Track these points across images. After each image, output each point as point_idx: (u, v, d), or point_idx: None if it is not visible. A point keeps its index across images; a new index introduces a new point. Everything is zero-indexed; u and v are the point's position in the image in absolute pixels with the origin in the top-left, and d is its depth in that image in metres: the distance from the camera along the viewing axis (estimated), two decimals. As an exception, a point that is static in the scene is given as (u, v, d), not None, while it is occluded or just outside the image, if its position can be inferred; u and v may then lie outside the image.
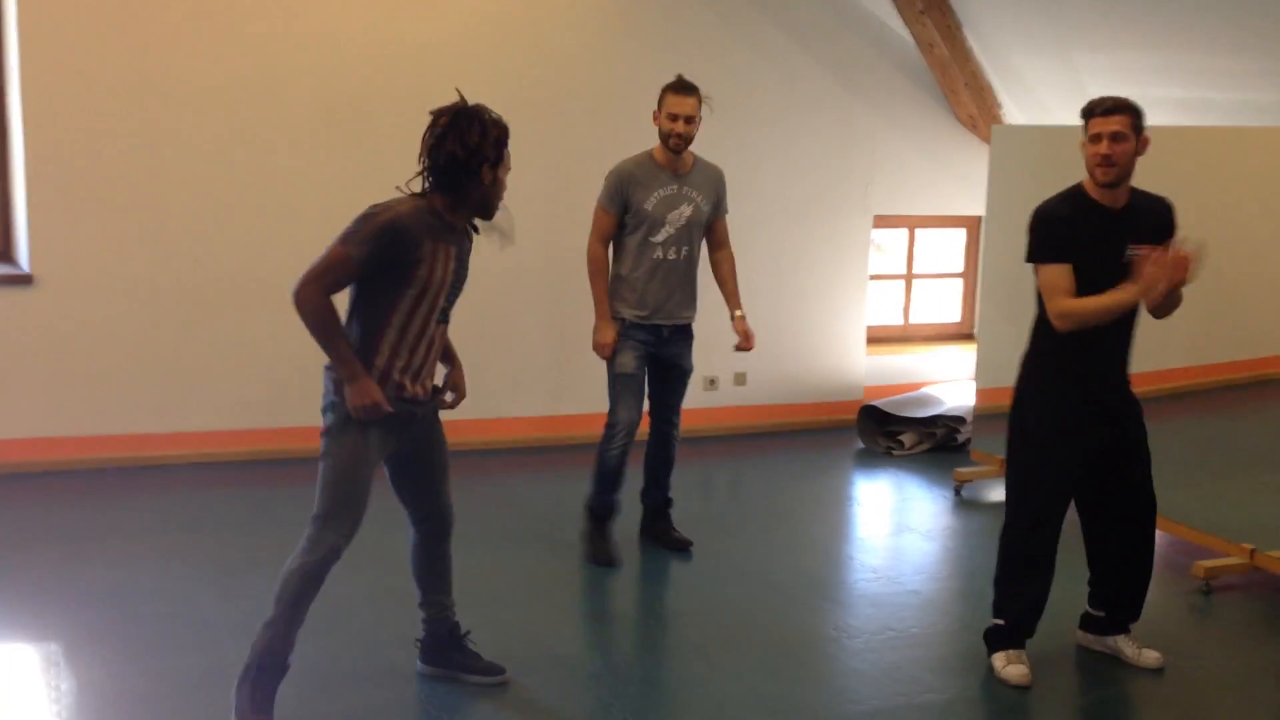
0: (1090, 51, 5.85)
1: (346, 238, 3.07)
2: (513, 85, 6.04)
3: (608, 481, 4.53)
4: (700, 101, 4.38)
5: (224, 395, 5.76)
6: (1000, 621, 3.69)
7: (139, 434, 5.65)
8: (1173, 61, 5.53)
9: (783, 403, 6.78)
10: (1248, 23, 4.94)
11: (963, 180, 6.95)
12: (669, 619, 4.18)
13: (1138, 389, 5.06)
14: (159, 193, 5.56)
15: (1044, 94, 6.43)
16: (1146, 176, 5.27)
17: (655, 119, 4.42)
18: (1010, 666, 3.63)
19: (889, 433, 6.49)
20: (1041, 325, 3.62)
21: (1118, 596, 3.81)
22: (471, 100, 3.22)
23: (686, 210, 4.44)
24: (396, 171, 5.79)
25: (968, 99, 6.67)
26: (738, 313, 4.68)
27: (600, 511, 4.60)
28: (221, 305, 5.70)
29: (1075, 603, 3.94)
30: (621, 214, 4.42)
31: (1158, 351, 5.07)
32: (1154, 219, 3.60)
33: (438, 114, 3.17)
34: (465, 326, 6.20)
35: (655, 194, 4.41)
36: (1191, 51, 5.35)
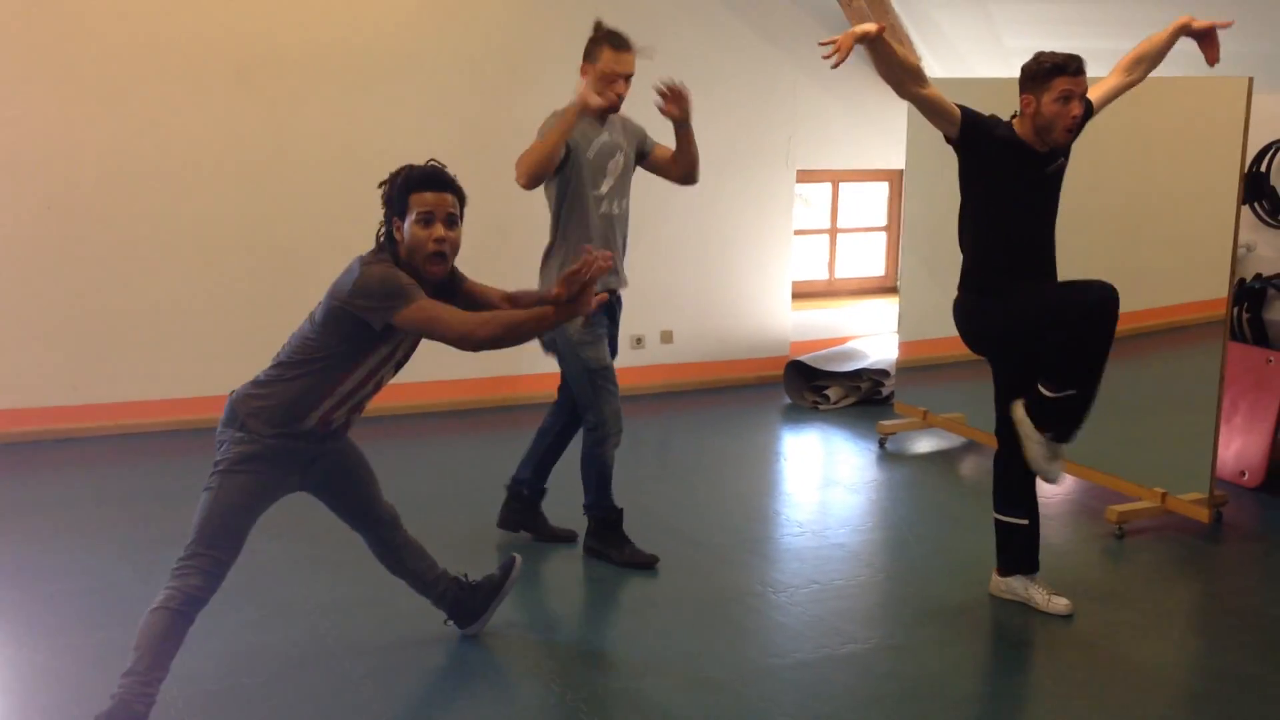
0: (1007, 3, 5.88)
1: (405, 294, 2.90)
2: (423, 37, 5.94)
3: (608, 482, 4.22)
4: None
5: (138, 364, 5.64)
6: (1016, 521, 3.87)
7: (50, 406, 5.51)
8: (1090, 12, 5.58)
9: (709, 360, 6.80)
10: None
11: (884, 134, 6.98)
12: (596, 577, 4.18)
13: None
14: (66, 154, 5.40)
15: (962, 47, 6.46)
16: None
17: (584, 74, 4.01)
18: (1053, 598, 3.83)
19: (815, 387, 6.54)
20: (974, 256, 3.76)
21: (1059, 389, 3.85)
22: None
23: (620, 160, 4.15)
24: (308, 129, 5.73)
25: (888, 52, 6.68)
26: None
27: (614, 515, 4.25)
28: (134, 271, 5.57)
29: (987, 556, 4.01)
30: (562, 159, 3.96)
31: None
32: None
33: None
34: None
35: (594, 142, 4.04)
36: (1107, 1, 5.40)
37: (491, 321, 2.91)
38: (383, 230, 3.07)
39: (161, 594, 2.91)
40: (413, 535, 3.48)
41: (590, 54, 4.00)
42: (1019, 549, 3.91)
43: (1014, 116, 3.71)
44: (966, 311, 3.81)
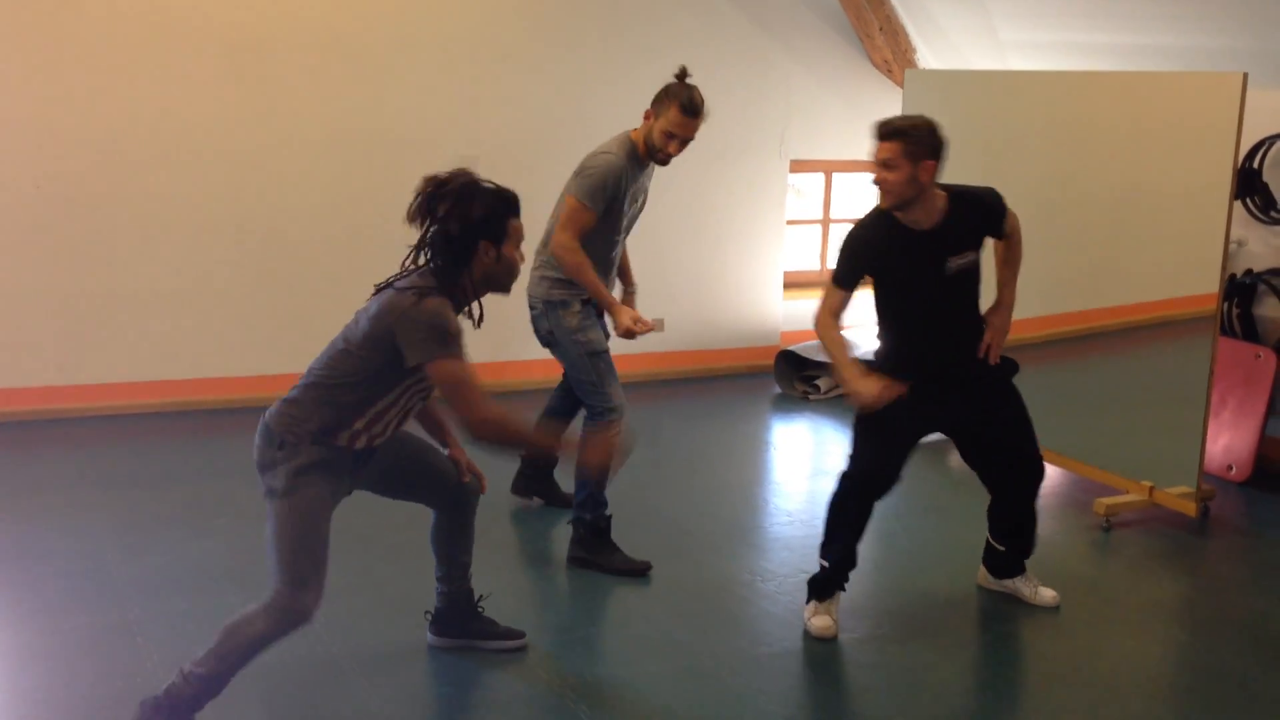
0: (1003, -5, 5.89)
1: (450, 344, 2.83)
2: (417, 19, 5.92)
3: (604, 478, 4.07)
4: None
5: (128, 345, 5.61)
6: (824, 563, 3.70)
7: (39, 387, 5.49)
8: (1084, 6, 5.57)
9: (700, 348, 6.80)
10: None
11: (878, 125, 6.97)
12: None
13: (1041, 331, 5.18)
14: (56, 133, 5.36)
15: (957, 38, 6.45)
16: (1061, 120, 5.33)
17: (647, 117, 3.96)
18: (815, 618, 3.66)
19: (805, 377, 6.55)
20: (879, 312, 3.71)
21: (1008, 540, 3.90)
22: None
23: (640, 199, 4.16)
24: (300, 111, 5.71)
25: (882, 43, 6.68)
26: (633, 290, 4.37)
27: (604, 520, 4.10)
28: (124, 252, 5.54)
29: (974, 547, 4.03)
30: (601, 212, 3.96)
31: (1063, 295, 5.18)
32: (975, 220, 3.58)
33: (434, 187, 2.91)
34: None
35: (633, 189, 4.03)
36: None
37: (507, 422, 2.88)
38: (425, 255, 2.94)
39: (263, 613, 2.82)
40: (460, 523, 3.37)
41: (659, 103, 3.94)
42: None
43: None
44: None
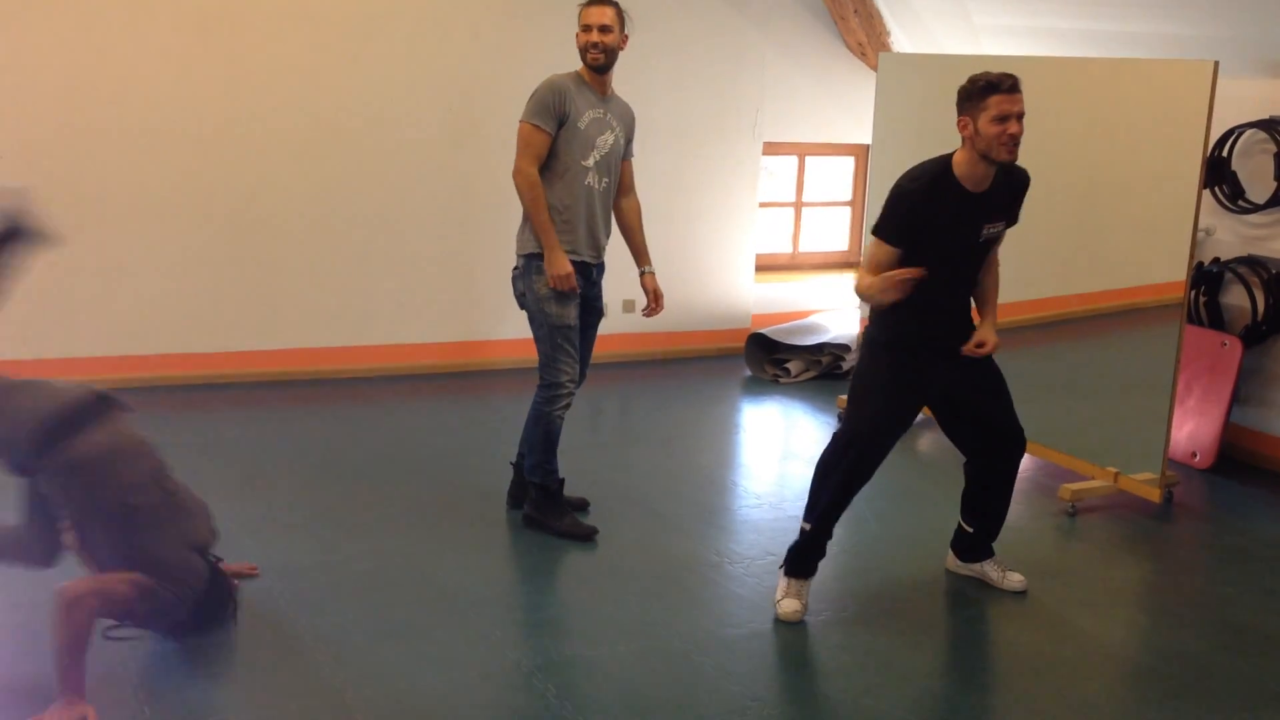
0: (977, -19, 5.88)
1: None
2: (395, 2, 5.85)
3: (553, 446, 4.17)
4: (619, 13, 4.07)
5: (94, 319, 5.55)
6: (805, 526, 3.69)
7: (3, 360, 5.40)
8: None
9: (671, 330, 6.79)
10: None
11: (851, 108, 6.98)
12: (552, 546, 4.18)
13: (1011, 317, 5.19)
14: (18, 105, 5.27)
15: (931, 23, 6.45)
16: (1033, 105, 5.33)
17: (578, 40, 4.09)
18: (785, 600, 3.66)
19: (776, 360, 6.55)
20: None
21: (978, 520, 3.92)
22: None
23: (610, 138, 4.15)
24: (270, 84, 5.63)
25: (857, 26, 6.67)
26: (648, 269, 4.38)
27: (554, 482, 4.21)
28: (89, 224, 5.46)
29: (943, 532, 4.05)
30: (555, 132, 4.02)
31: (1031, 281, 5.20)
32: (1010, 193, 3.57)
33: None
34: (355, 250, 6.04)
35: (587, 113, 4.05)
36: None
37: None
38: None
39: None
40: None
41: (579, 15, 4.10)
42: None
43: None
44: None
